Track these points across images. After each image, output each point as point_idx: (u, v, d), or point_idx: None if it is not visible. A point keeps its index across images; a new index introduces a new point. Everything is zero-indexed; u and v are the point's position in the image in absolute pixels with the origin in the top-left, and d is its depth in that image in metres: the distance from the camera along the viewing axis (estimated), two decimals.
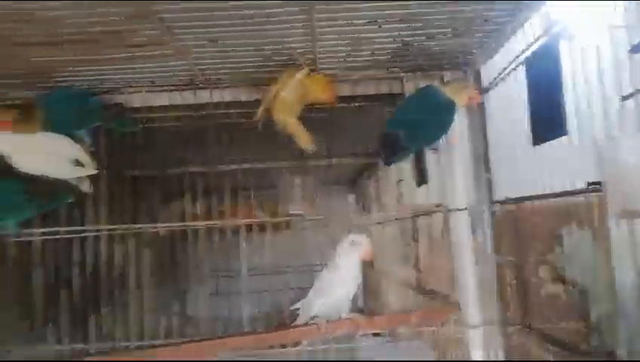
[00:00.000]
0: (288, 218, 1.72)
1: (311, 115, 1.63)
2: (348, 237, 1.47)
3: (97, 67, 1.41)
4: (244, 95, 1.62)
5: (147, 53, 1.32)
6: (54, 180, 1.46)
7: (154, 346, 1.54)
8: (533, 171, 1.27)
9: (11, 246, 1.60)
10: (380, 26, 1.22)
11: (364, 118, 1.84)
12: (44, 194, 1.48)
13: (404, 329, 2.00)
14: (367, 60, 1.46)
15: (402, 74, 1.56)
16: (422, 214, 1.89)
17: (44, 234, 1.59)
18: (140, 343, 1.66)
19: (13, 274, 1.61)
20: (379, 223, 2.42)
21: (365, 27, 1.22)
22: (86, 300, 1.72)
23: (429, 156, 1.89)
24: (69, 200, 1.54)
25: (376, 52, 1.39)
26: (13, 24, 1.12)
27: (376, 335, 2.19)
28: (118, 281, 1.78)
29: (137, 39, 1.24)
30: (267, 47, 1.33)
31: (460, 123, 1.53)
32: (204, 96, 1.63)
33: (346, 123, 1.94)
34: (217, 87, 1.61)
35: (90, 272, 1.73)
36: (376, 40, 1.31)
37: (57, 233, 1.60)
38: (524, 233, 1.37)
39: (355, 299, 1.52)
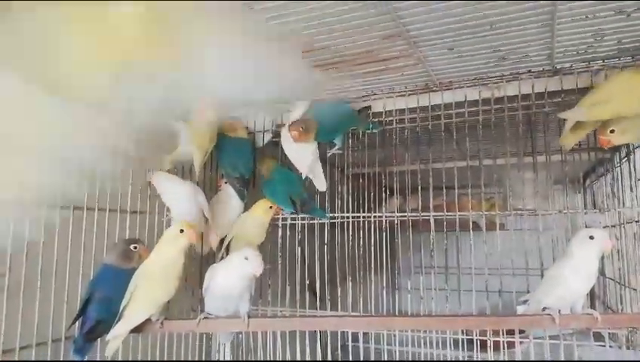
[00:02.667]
0: (519, 213, 1.74)
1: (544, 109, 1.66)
2: (584, 230, 1.44)
3: (352, 80, 1.70)
4: (474, 94, 1.72)
5: (392, 66, 1.54)
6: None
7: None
8: None
9: (279, 228, 2.03)
10: (628, 15, 1.19)
11: None
12: (305, 202, 1.87)
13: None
14: (611, 50, 1.41)
15: None
16: None
17: (303, 219, 1.98)
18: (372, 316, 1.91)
19: (282, 250, 2.03)
20: (614, 225, 2.23)
21: (612, 18, 1.20)
22: (333, 275, 2.05)
23: None
24: (322, 217, 1.90)
25: (622, 41, 1.35)
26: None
27: (597, 339, 2.03)
28: (354, 261, 2.06)
29: (386, 54, 1.47)
30: (503, 48, 1.41)
31: None
32: (436, 98, 1.80)
33: None
34: (449, 89, 1.75)
35: (336, 252, 2.06)
36: (623, 29, 1.27)
37: (313, 219, 1.97)
38: None
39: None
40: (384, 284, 2.22)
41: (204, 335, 2.04)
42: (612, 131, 1.50)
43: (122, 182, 1.63)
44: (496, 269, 1.83)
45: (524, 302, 1.66)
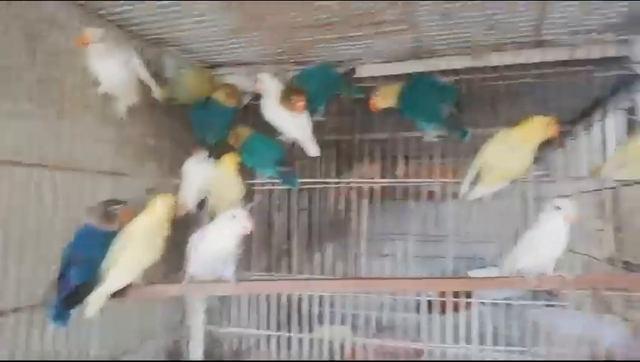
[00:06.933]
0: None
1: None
2: (553, 201, 1.52)
3: (338, 44, 1.66)
4: (459, 63, 1.74)
5: (385, 30, 1.52)
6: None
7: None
8: None
9: (257, 192, 2.00)
10: None
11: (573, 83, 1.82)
12: (285, 171, 1.82)
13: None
14: (597, 24, 1.46)
15: (631, 36, 1.52)
16: (624, 185, 1.80)
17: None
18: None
19: (260, 215, 2.01)
20: (567, 195, 2.37)
21: None
22: (312, 240, 2.07)
23: None
24: (294, 185, 1.86)
25: (609, 16, 1.40)
26: (291, 12, 1.40)
27: (549, 303, 2.19)
28: (335, 226, 2.08)
29: (380, 17, 1.44)
30: (495, 16, 1.43)
31: None
32: (419, 66, 1.80)
33: (553, 89, 1.94)
34: (434, 57, 1.76)
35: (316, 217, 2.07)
36: (612, 4, 1.31)
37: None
38: None
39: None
40: (351, 249, 2.25)
41: (179, 300, 2.01)
42: (377, 95, 1.71)
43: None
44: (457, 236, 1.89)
45: (480, 267, 1.75)
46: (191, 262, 1.48)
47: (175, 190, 1.91)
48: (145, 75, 1.55)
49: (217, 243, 1.41)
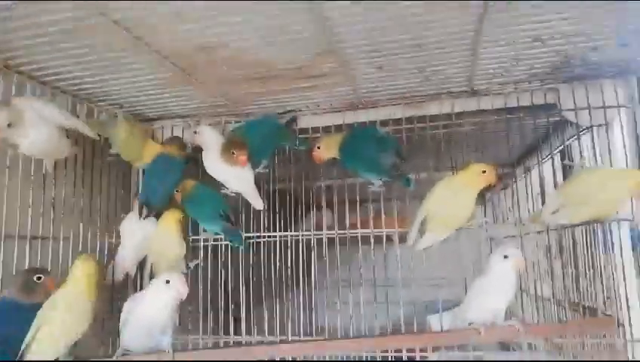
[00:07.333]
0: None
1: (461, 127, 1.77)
2: (500, 249, 1.53)
3: (277, 96, 1.66)
4: (398, 112, 1.77)
5: (323, 82, 1.53)
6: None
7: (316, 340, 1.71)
8: None
9: (201, 249, 1.91)
10: (543, 43, 1.29)
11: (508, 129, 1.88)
12: (230, 228, 1.75)
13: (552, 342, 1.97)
14: (524, 74, 1.53)
15: (558, 85, 1.60)
16: (573, 226, 1.85)
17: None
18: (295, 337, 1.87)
19: (203, 272, 1.91)
20: (514, 236, 2.41)
21: (529, 45, 1.30)
22: (261, 296, 1.98)
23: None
24: (238, 245, 1.80)
25: (535, 66, 1.46)
26: (226, 67, 1.39)
27: (505, 348, 2.17)
28: (280, 280, 2.01)
29: (316, 71, 1.45)
30: (428, 68, 1.47)
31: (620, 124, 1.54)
32: (360, 116, 1.82)
33: (491, 135, 2.00)
34: (374, 107, 1.78)
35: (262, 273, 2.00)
36: (536, 55, 1.38)
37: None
38: None
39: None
40: (301, 302, 2.17)
41: None
42: (319, 147, 1.74)
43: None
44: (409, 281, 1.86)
45: (434, 311, 1.74)
46: (124, 332, 1.37)
47: (112, 251, 1.81)
48: (69, 121, 1.48)
49: (151, 310, 1.32)
